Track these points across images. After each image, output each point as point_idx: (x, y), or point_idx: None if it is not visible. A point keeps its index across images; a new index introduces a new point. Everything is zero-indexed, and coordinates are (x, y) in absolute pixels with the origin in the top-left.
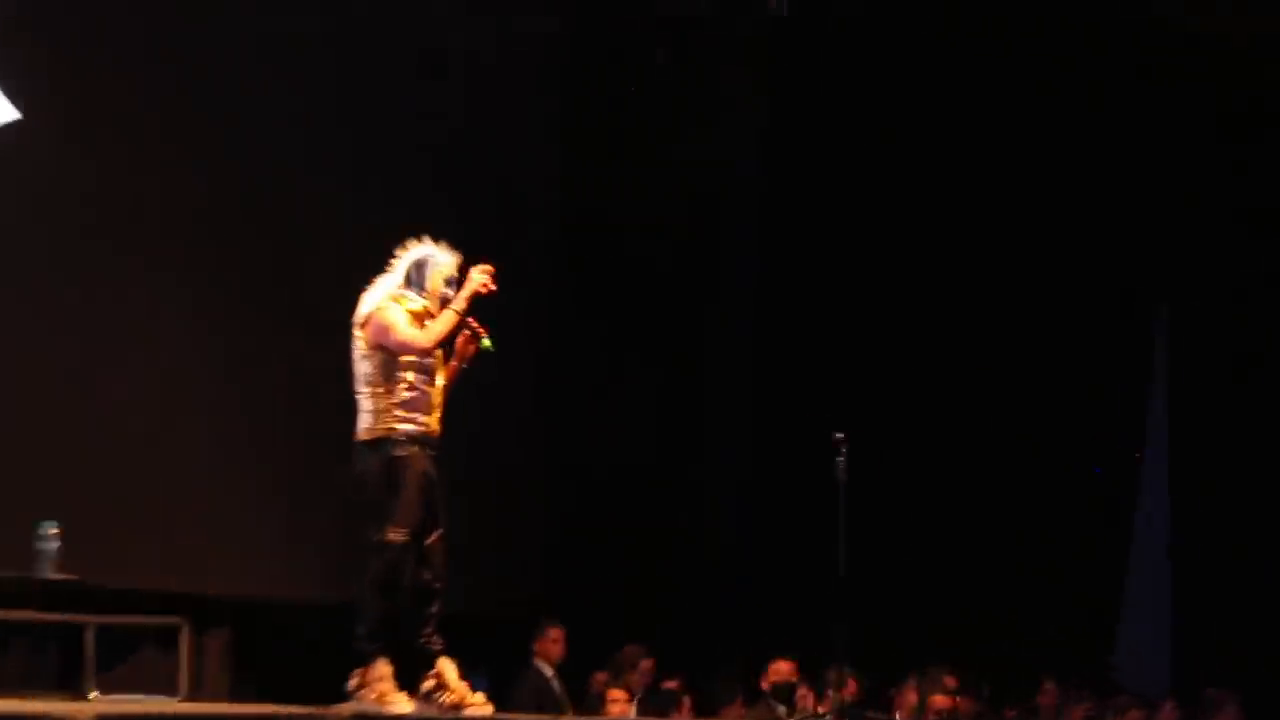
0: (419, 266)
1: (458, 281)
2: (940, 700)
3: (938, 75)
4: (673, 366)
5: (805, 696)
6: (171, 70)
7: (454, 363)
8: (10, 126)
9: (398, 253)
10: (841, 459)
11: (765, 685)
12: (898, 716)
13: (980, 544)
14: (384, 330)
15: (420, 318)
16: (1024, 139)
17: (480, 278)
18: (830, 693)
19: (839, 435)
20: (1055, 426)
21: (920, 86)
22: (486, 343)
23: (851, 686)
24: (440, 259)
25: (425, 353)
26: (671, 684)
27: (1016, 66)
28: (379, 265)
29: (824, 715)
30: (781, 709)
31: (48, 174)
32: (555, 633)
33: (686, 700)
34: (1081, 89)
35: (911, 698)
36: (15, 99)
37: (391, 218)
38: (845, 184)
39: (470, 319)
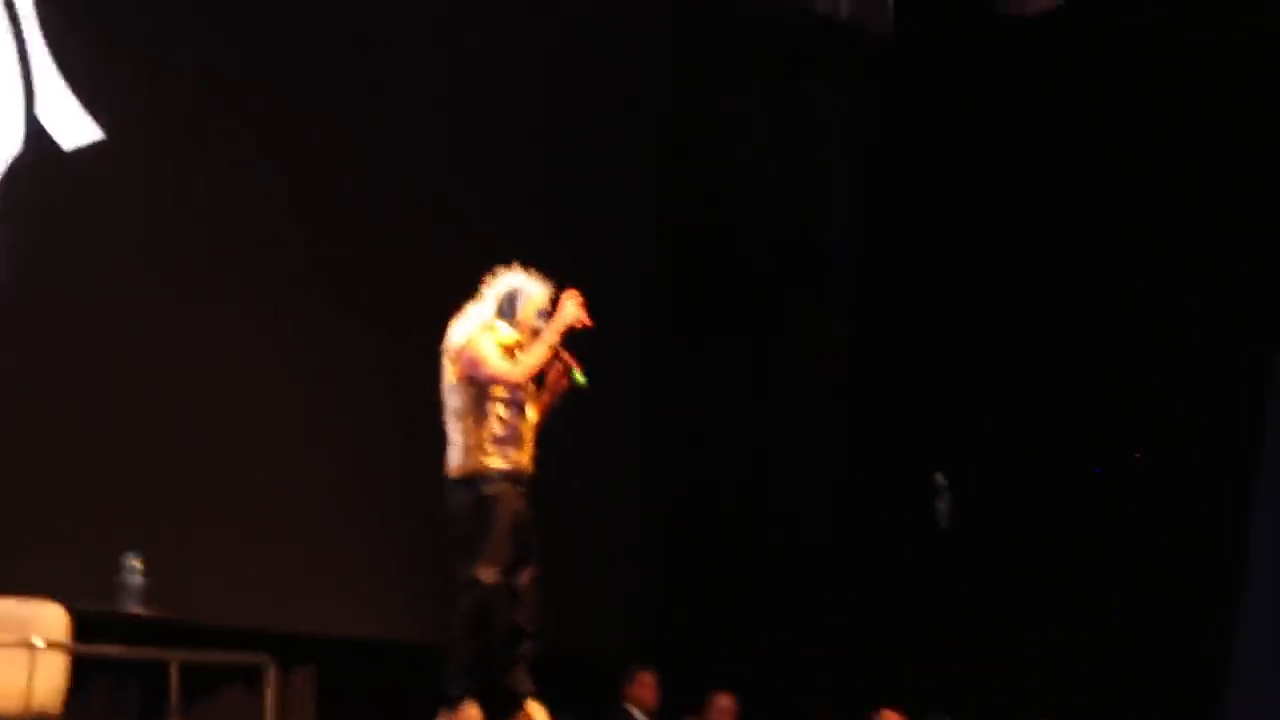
0: (510, 298)
1: (549, 313)
2: None
3: (1046, 97)
4: (770, 407)
5: None
6: (262, 85)
7: (545, 396)
8: (94, 146)
9: (486, 280)
10: (942, 501)
11: None
12: None
13: (1080, 595)
14: (475, 363)
15: (511, 350)
16: (1143, 168)
17: (573, 310)
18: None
19: (940, 477)
20: (1163, 472)
21: (1027, 109)
22: (579, 377)
23: None
24: (531, 290)
25: (516, 387)
26: None
27: (1135, 87)
28: (472, 291)
29: None
30: None
31: (133, 194)
32: (646, 677)
33: None
34: (1205, 121)
35: None
36: (98, 117)
37: (486, 239)
38: (946, 208)
39: (562, 351)
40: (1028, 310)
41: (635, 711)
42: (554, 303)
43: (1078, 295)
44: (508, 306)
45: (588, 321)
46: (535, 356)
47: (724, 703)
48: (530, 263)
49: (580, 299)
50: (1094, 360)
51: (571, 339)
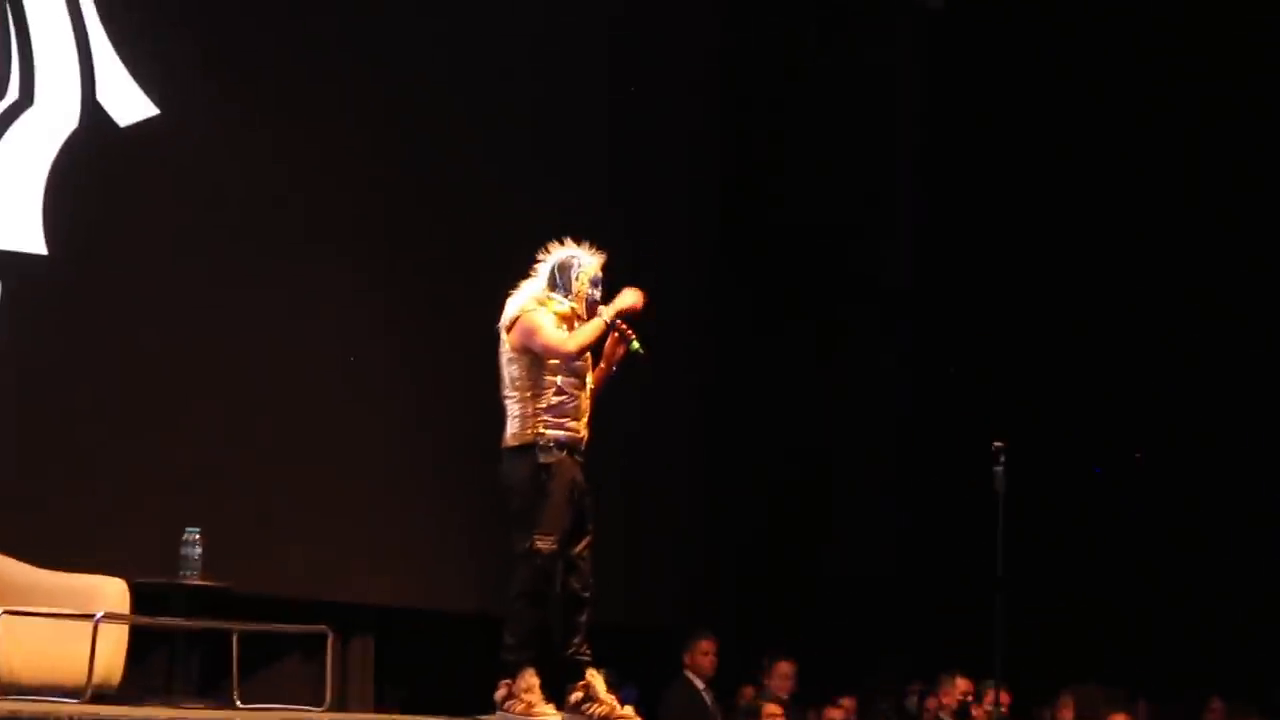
0: (563, 269)
1: (602, 281)
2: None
3: (1113, 63)
4: (829, 374)
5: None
6: (320, 55)
7: (602, 366)
8: (149, 121)
9: (539, 256)
10: (1000, 468)
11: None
12: None
13: (1144, 553)
14: (530, 333)
15: (567, 320)
16: (1205, 137)
17: (633, 296)
18: (987, 707)
19: (998, 443)
20: (1225, 431)
21: (1085, 76)
22: (636, 345)
23: (1005, 698)
24: (584, 260)
25: (570, 358)
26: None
27: (1196, 54)
28: (530, 265)
29: None
30: None
31: (189, 169)
32: (706, 644)
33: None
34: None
35: (1067, 715)
36: (153, 93)
37: (550, 217)
38: (1006, 180)
39: (622, 322)
40: (1090, 279)
41: (695, 679)
42: (606, 271)
43: (1138, 260)
44: (561, 278)
45: (640, 307)
46: (591, 330)
47: (784, 669)
48: (593, 240)
49: (641, 293)
50: (1159, 323)
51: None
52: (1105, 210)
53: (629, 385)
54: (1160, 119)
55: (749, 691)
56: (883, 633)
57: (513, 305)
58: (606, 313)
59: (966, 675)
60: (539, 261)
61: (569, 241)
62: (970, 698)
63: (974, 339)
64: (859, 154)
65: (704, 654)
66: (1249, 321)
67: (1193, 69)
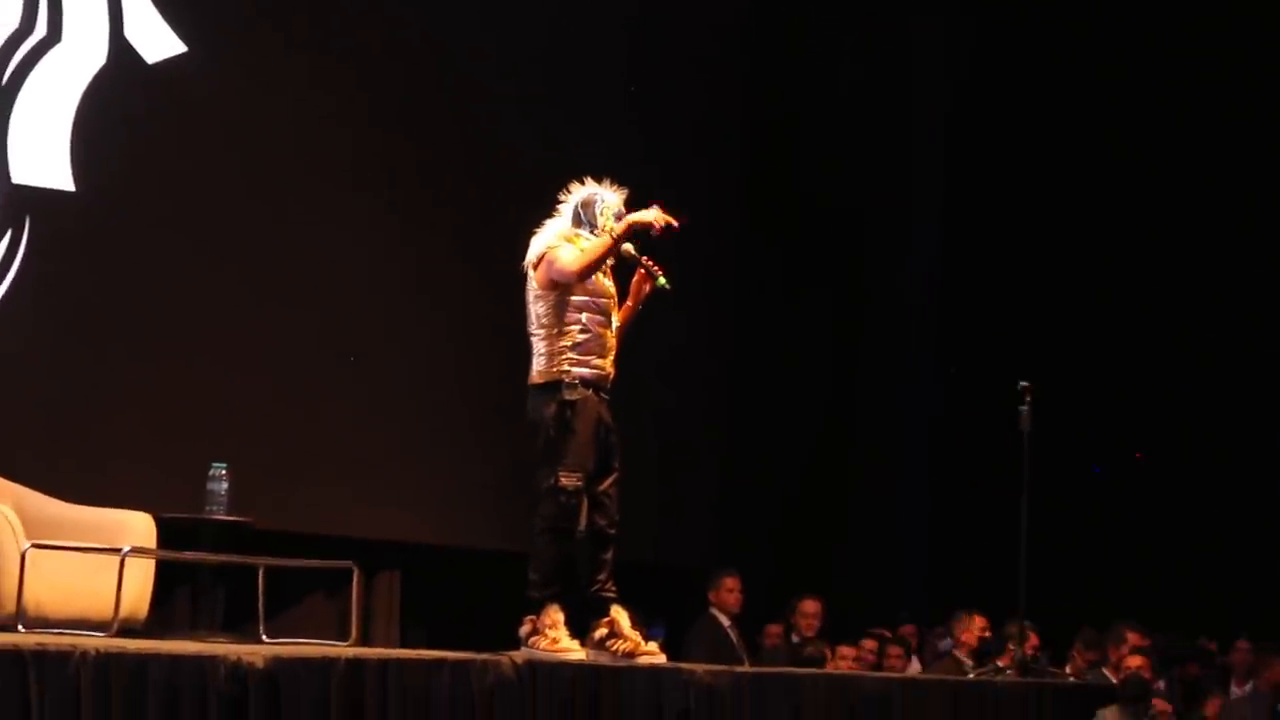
0: (586, 206)
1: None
2: (1135, 661)
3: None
4: (855, 314)
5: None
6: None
7: (629, 303)
8: (177, 58)
9: (562, 195)
10: (1026, 407)
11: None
12: (1067, 670)
13: (1169, 491)
14: (549, 264)
15: None
16: (1242, 110)
17: (651, 212)
18: (1011, 646)
19: (1024, 383)
20: (1252, 375)
21: (1126, 42)
22: (662, 281)
23: (1033, 640)
24: (607, 196)
25: (575, 277)
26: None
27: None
28: (555, 205)
29: (1005, 669)
30: (969, 663)
31: (215, 106)
32: (731, 582)
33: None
34: None
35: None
36: (181, 30)
37: (577, 164)
38: (1035, 130)
39: (646, 259)
40: (1123, 242)
41: (720, 616)
42: (629, 207)
43: (1173, 222)
44: (585, 214)
45: (671, 221)
46: (592, 249)
47: (810, 608)
48: (619, 180)
49: (661, 206)
50: (1182, 270)
51: (657, 247)
52: (1136, 169)
53: (659, 324)
54: (1195, 94)
55: (775, 630)
56: (909, 573)
57: (538, 243)
58: (617, 228)
59: (984, 614)
60: (561, 201)
61: (589, 180)
62: (988, 634)
63: (1002, 281)
64: (886, 122)
65: (729, 591)
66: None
67: (1229, 48)
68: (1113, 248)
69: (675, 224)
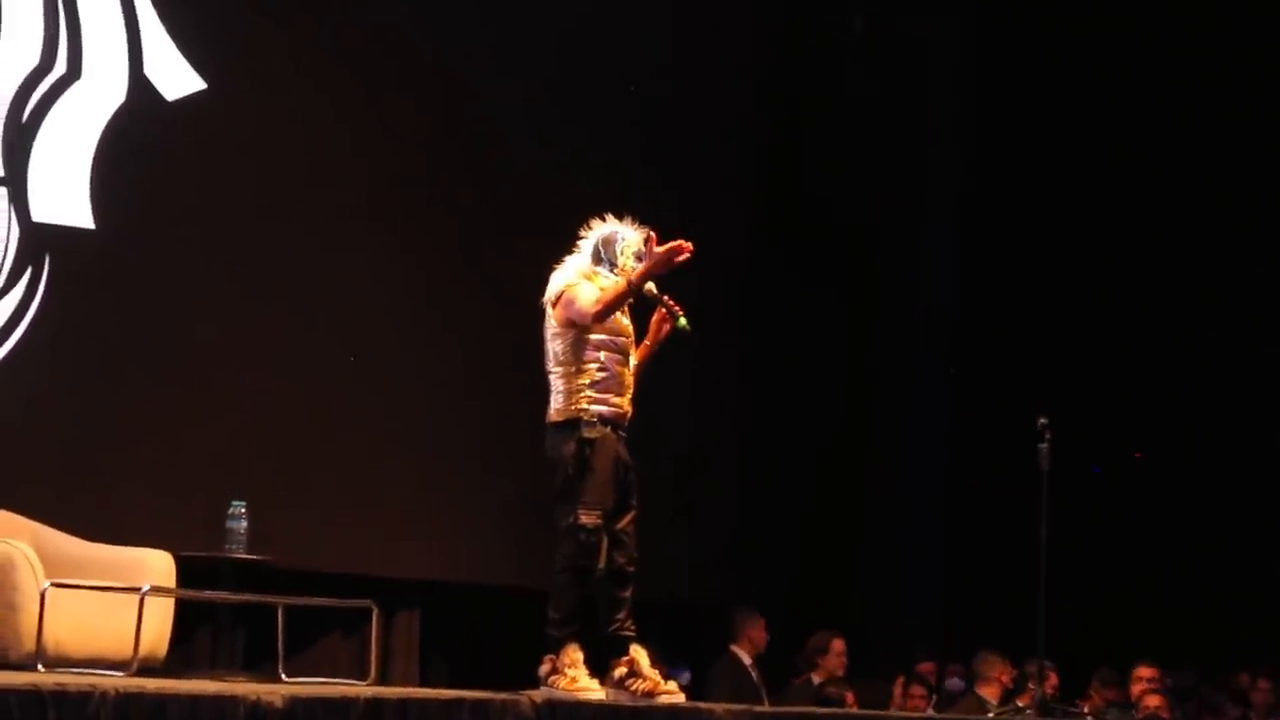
0: (607, 244)
1: (646, 256)
2: (1153, 701)
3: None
4: (871, 349)
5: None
6: (363, 29)
7: (647, 343)
8: (197, 95)
9: (583, 232)
10: (1045, 444)
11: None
12: (1085, 709)
13: (1188, 532)
14: (569, 303)
15: None
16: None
17: (662, 253)
18: (1031, 686)
19: (1043, 420)
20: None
21: (1140, 39)
22: (683, 321)
23: (1053, 679)
24: (627, 235)
25: (592, 319)
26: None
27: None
28: (574, 239)
29: (1025, 709)
30: (992, 703)
31: (235, 142)
32: (755, 622)
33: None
34: None
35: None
36: (200, 66)
37: (591, 186)
38: (1055, 143)
39: (666, 297)
40: (1139, 248)
41: (742, 656)
42: (650, 245)
43: (1190, 227)
44: (605, 252)
45: (683, 246)
46: (610, 292)
47: (839, 646)
48: (634, 203)
49: (681, 245)
50: (1201, 301)
51: (675, 285)
52: (1156, 171)
53: (675, 362)
54: (1216, 93)
55: (805, 672)
56: (925, 613)
57: (557, 280)
58: (634, 274)
59: (1004, 656)
60: (582, 238)
61: (610, 217)
62: (1008, 679)
63: (1016, 316)
64: (903, 126)
65: (752, 631)
66: None
67: (1241, 54)
68: (1118, 249)
69: (688, 246)
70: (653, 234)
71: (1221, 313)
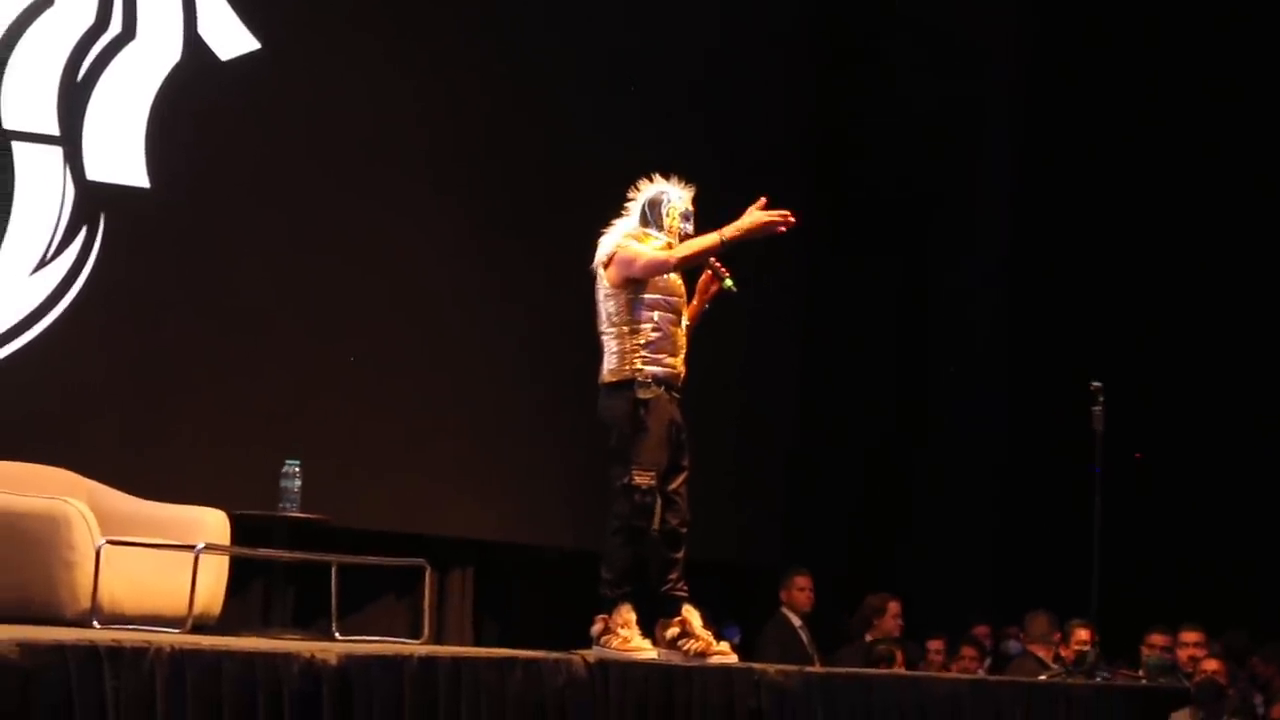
0: (653, 205)
1: (694, 215)
2: (1211, 665)
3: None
4: (927, 311)
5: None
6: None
7: (695, 303)
8: (250, 56)
9: (630, 194)
10: (1099, 408)
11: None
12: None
13: (1243, 496)
14: (629, 262)
15: None
16: None
17: (762, 216)
18: (1076, 645)
19: (1096, 383)
20: None
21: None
22: (729, 283)
23: (1081, 635)
24: (674, 194)
25: (674, 268)
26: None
27: None
28: (624, 202)
29: (1076, 670)
30: (1048, 663)
31: (288, 104)
32: (802, 580)
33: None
34: None
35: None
36: (254, 28)
37: (644, 152)
38: (1108, 121)
39: (714, 259)
40: (1190, 220)
41: (791, 615)
42: (695, 205)
43: (1242, 205)
44: (652, 214)
45: (787, 216)
46: (698, 244)
47: (895, 608)
48: (686, 175)
49: (786, 217)
50: (1254, 268)
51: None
52: (1209, 148)
53: (732, 325)
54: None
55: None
56: (979, 574)
57: (607, 242)
58: (730, 229)
59: (1051, 615)
60: (630, 200)
61: (658, 178)
62: (1058, 637)
63: (1070, 282)
64: (957, 102)
65: (800, 590)
66: None
67: None
68: (1170, 226)
69: (792, 220)
70: (764, 199)
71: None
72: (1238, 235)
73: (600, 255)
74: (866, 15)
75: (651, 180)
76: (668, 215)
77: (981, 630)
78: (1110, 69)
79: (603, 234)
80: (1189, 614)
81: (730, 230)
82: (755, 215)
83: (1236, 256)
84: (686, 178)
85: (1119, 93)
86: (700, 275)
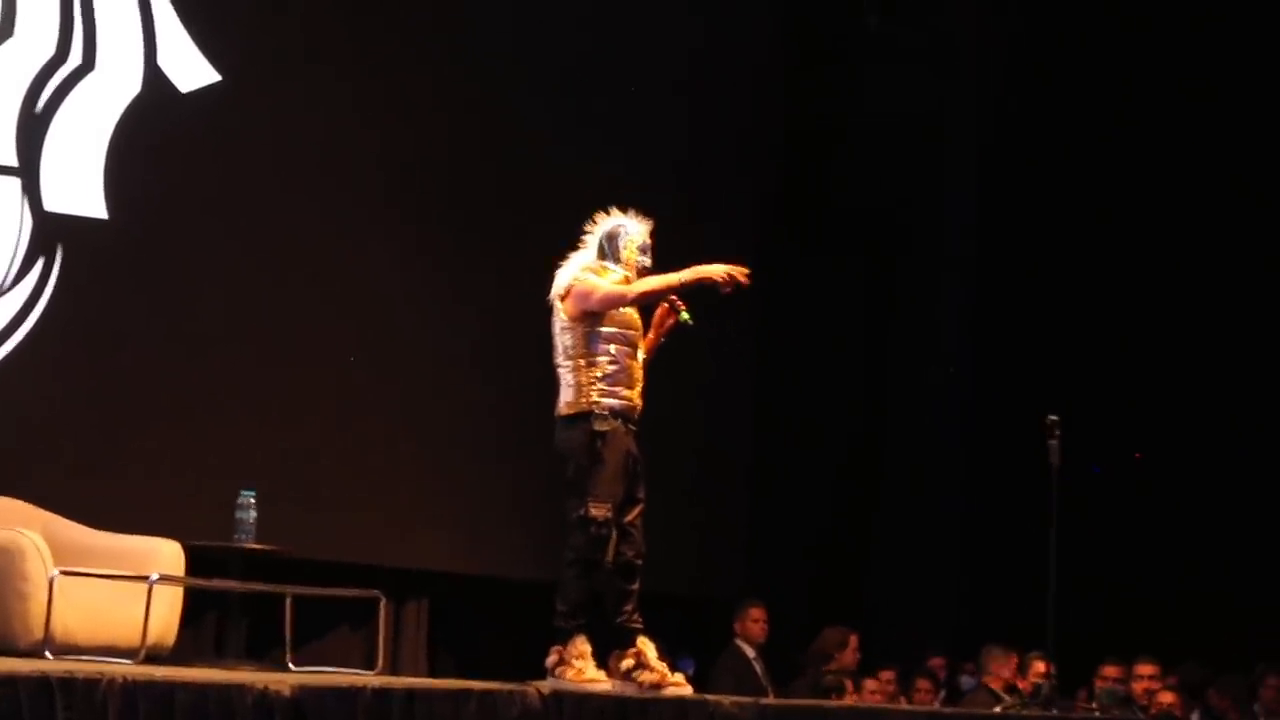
0: (611, 238)
1: (651, 249)
2: (1167, 697)
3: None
4: (886, 344)
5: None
6: (378, 21)
7: (651, 336)
8: (211, 88)
9: (588, 227)
10: (1054, 441)
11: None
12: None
13: (1199, 527)
14: (586, 295)
15: None
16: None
17: (719, 269)
18: (1033, 678)
19: (1052, 417)
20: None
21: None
22: (685, 315)
23: (1039, 668)
24: (632, 228)
25: (631, 304)
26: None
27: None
28: (583, 229)
29: (1030, 702)
30: (1006, 697)
31: (248, 135)
32: (757, 612)
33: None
34: None
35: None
36: (215, 59)
37: (610, 189)
38: (1075, 136)
39: (671, 294)
40: (1158, 240)
41: (745, 647)
42: (653, 238)
43: (1209, 223)
44: (609, 247)
45: (740, 278)
46: (657, 282)
47: (851, 641)
48: (649, 197)
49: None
50: (1213, 297)
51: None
52: (1176, 185)
53: (690, 356)
54: (1236, 93)
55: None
56: (934, 606)
57: (564, 275)
58: (685, 274)
59: (1008, 648)
60: (587, 233)
61: (615, 210)
62: (1011, 672)
63: (1033, 311)
64: (921, 121)
65: (754, 621)
66: None
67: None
68: (1135, 243)
69: (744, 281)
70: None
71: (1233, 309)
72: (1207, 240)
73: (557, 288)
74: (834, 18)
75: (609, 213)
76: (625, 248)
77: (937, 662)
78: (1079, 71)
79: (560, 267)
80: (1145, 647)
81: (688, 274)
82: (715, 267)
83: (1206, 263)
84: (651, 184)
85: (1088, 93)
86: (656, 309)
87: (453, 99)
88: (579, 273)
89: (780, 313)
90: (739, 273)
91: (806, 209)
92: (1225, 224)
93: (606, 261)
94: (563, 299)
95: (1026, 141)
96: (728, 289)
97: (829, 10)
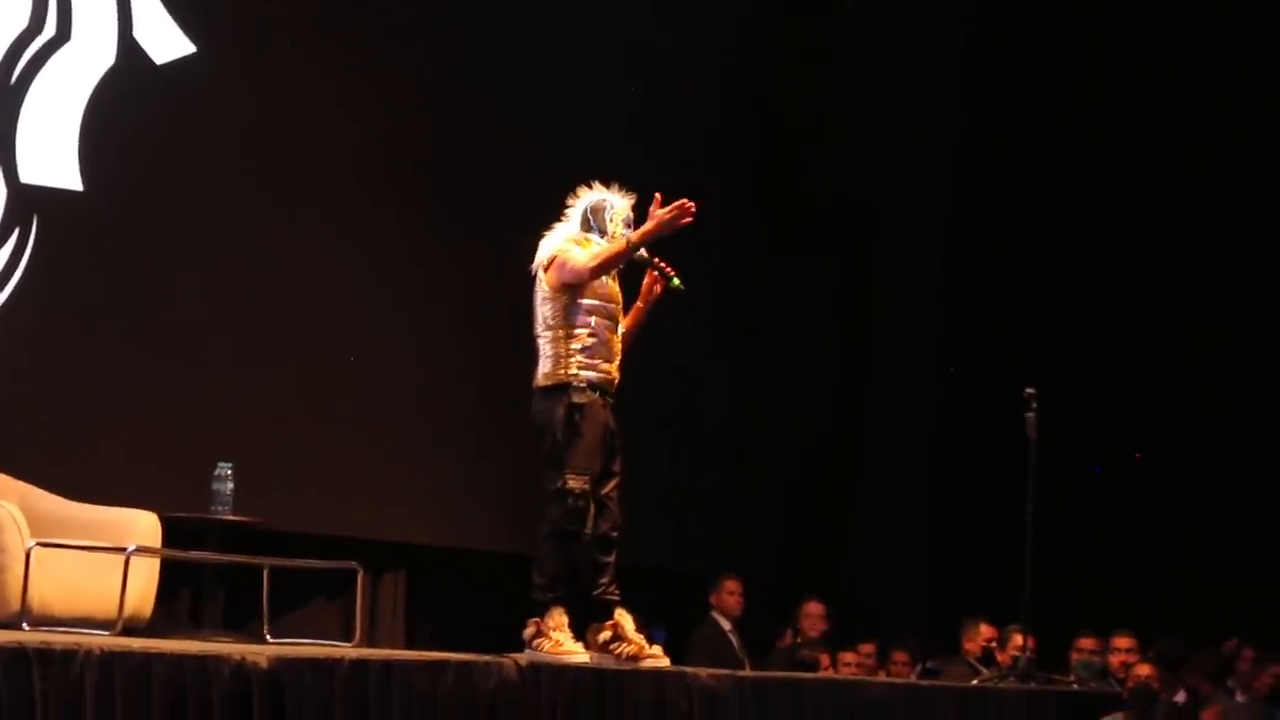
0: (596, 211)
1: (635, 222)
2: (1144, 670)
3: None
4: (862, 319)
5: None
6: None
7: (639, 304)
8: (186, 59)
9: (570, 200)
10: (1032, 414)
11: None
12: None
13: (1176, 501)
14: (562, 265)
15: None
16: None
17: (663, 211)
18: (1014, 652)
19: (1030, 390)
20: (1256, 379)
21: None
22: (676, 281)
23: (1016, 640)
24: (615, 202)
25: (586, 275)
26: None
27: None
28: (562, 206)
29: (1008, 674)
30: (984, 670)
31: (223, 107)
32: (732, 585)
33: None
34: None
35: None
36: (190, 31)
37: (581, 155)
38: (1045, 130)
39: (659, 259)
40: (1126, 226)
41: (721, 619)
42: (637, 211)
43: (1178, 206)
44: (595, 219)
45: (686, 206)
46: (607, 251)
47: (814, 609)
48: (626, 180)
49: (685, 206)
50: (1192, 271)
51: (667, 248)
52: (1144, 154)
53: (669, 330)
54: (1209, 89)
55: (788, 635)
56: (912, 579)
57: (547, 245)
58: (633, 235)
59: (991, 622)
60: (569, 206)
61: (598, 185)
62: (994, 644)
63: (1007, 288)
64: (894, 115)
65: (730, 594)
66: None
67: (1238, 55)
68: (1114, 245)
69: (690, 206)
70: (658, 195)
71: (1200, 287)
72: (1177, 230)
73: (540, 258)
74: (809, 15)
75: (591, 187)
76: (610, 221)
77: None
78: (1048, 65)
79: (543, 237)
80: (1123, 621)
81: (635, 234)
82: (657, 215)
83: (1175, 252)
84: (625, 177)
85: (1057, 88)
86: (644, 278)
87: (429, 76)
88: (562, 243)
89: (758, 290)
90: (680, 206)
91: (782, 190)
92: (1192, 203)
93: (591, 234)
94: (545, 269)
95: (1000, 133)
96: (686, 220)
97: (804, 8)
